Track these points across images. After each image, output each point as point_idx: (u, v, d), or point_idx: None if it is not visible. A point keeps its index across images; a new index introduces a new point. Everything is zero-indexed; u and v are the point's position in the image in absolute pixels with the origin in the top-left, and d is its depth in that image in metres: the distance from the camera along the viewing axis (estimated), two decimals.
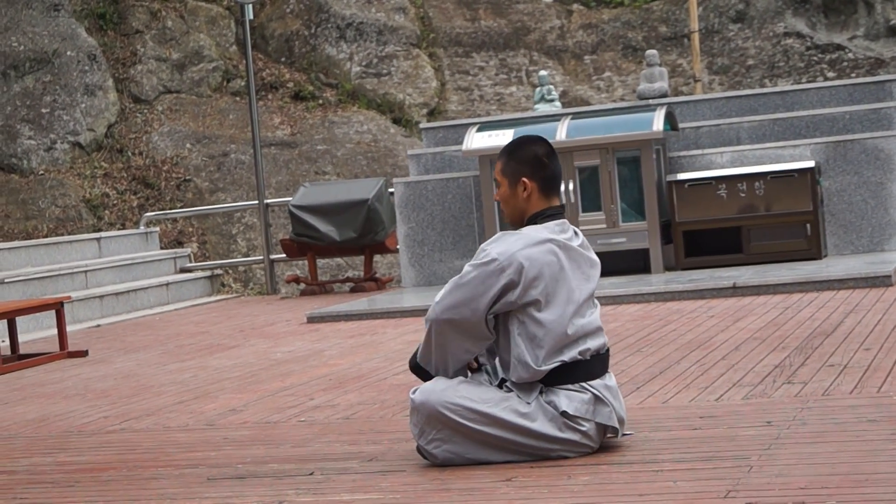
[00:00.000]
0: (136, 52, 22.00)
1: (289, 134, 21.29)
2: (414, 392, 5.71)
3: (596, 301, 5.76)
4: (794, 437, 5.70)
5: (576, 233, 5.73)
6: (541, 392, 5.57)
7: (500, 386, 5.70)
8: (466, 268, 5.57)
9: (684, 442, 5.77)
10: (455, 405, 5.56)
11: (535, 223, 5.66)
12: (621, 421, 5.69)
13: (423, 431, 5.64)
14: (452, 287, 5.57)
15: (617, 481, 5.13)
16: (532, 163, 5.66)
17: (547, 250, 5.56)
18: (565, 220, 5.73)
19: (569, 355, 5.55)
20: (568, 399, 5.54)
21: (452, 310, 5.54)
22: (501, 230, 13.90)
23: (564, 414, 5.53)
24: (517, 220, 5.73)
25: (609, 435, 5.66)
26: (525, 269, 5.49)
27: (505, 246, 5.55)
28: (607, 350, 5.73)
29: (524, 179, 5.66)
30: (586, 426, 5.57)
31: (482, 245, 5.64)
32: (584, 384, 5.58)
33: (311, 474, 5.76)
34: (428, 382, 5.73)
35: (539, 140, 5.77)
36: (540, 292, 5.51)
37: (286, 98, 22.18)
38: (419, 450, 5.72)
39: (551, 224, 5.64)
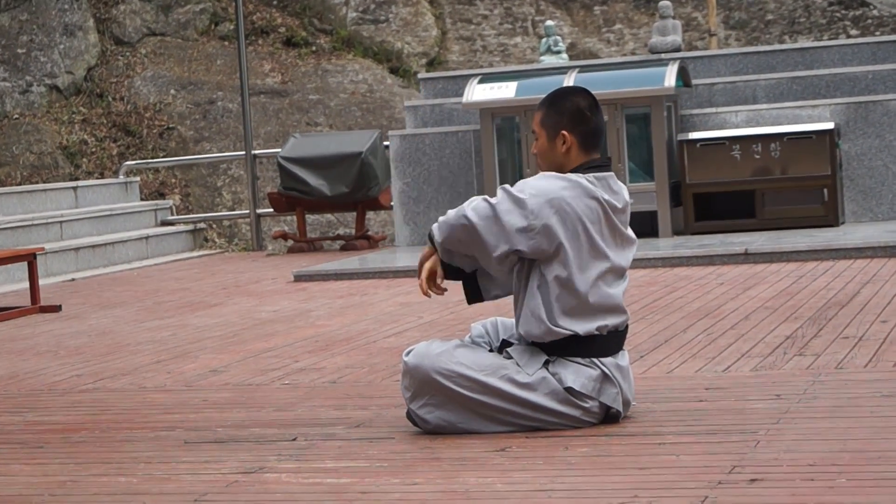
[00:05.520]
0: None
1: (279, 82, 21.23)
2: (407, 354, 5.69)
3: (626, 276, 5.70)
4: (805, 411, 5.70)
5: (615, 191, 5.60)
6: (546, 363, 5.55)
7: (500, 351, 5.68)
8: (502, 201, 5.43)
9: (689, 414, 5.78)
10: (450, 371, 5.55)
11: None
12: (626, 403, 5.66)
13: (416, 396, 5.63)
14: (484, 213, 5.44)
15: (617, 454, 5.13)
16: (574, 115, 5.59)
17: (588, 206, 5.48)
18: (611, 174, 5.63)
19: (584, 328, 5.51)
20: (575, 374, 5.51)
21: (480, 219, 5.44)
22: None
23: (569, 389, 5.51)
24: None
25: (612, 411, 5.63)
26: (553, 226, 5.42)
27: (544, 195, 5.44)
28: (626, 327, 5.70)
29: (564, 133, 5.58)
30: (589, 404, 5.54)
31: (522, 183, 5.51)
32: (594, 360, 5.55)
33: (294, 440, 5.76)
34: (422, 344, 5.71)
35: (582, 91, 5.69)
36: (569, 247, 5.45)
37: (277, 44, 22.11)
38: (409, 415, 5.71)
39: (591, 177, 5.55)
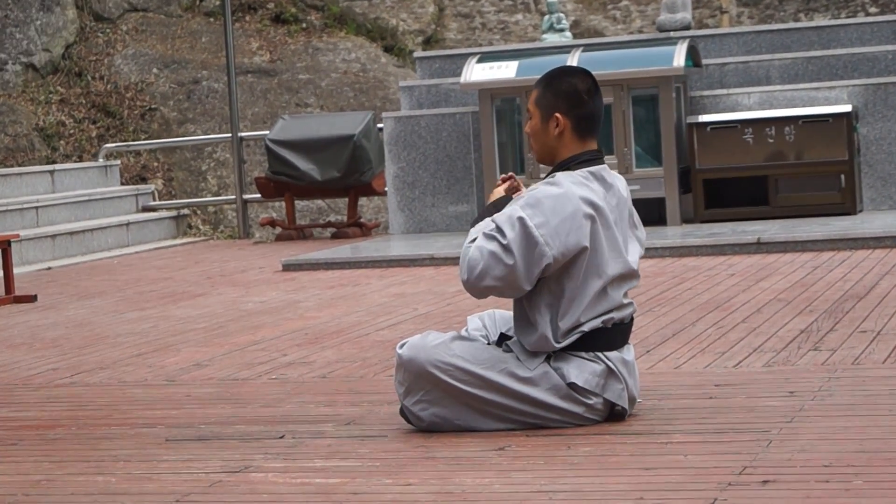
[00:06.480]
0: None
1: (267, 60, 21.22)
2: (401, 346, 5.69)
3: (637, 275, 5.69)
4: (820, 409, 5.71)
5: (610, 184, 5.60)
6: (548, 357, 5.54)
7: (498, 344, 5.68)
8: (509, 236, 5.44)
9: (697, 412, 5.78)
10: (446, 364, 5.55)
11: (569, 169, 5.59)
12: (632, 400, 5.67)
13: (410, 391, 5.63)
14: (490, 257, 5.46)
15: (621, 453, 5.13)
16: (569, 97, 5.60)
17: (584, 225, 5.46)
18: (604, 166, 5.63)
19: (589, 326, 5.53)
20: (578, 369, 5.52)
21: (497, 280, 5.48)
22: (503, 172, 13.93)
23: (571, 385, 5.51)
24: (545, 159, 5.68)
25: (617, 409, 5.63)
26: (565, 250, 5.44)
27: (546, 221, 5.43)
28: (632, 319, 5.71)
29: (557, 115, 5.59)
30: (593, 400, 5.54)
31: (517, 205, 5.51)
32: (598, 354, 5.56)
33: (282, 438, 5.76)
34: (417, 337, 5.71)
35: (581, 72, 5.70)
36: (575, 267, 5.47)
37: (265, 20, 22.10)
38: (402, 411, 5.72)
39: (585, 172, 5.56)
